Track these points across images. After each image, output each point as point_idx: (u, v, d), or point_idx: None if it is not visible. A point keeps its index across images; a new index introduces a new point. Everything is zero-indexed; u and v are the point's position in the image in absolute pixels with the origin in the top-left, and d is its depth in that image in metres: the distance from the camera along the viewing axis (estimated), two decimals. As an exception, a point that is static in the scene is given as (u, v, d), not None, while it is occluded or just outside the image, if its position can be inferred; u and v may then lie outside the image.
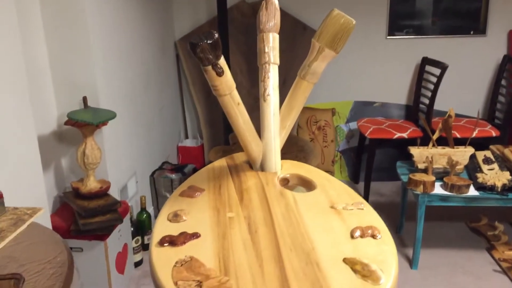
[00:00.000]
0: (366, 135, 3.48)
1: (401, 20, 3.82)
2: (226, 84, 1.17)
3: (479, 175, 2.66)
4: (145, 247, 2.95)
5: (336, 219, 1.07)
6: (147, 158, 3.27)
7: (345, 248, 0.95)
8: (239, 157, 1.42)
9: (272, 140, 1.30)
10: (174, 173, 3.32)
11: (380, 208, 3.53)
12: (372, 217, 1.08)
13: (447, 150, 2.75)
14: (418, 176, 2.63)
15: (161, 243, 1.00)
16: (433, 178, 2.62)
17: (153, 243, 1.01)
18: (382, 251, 0.95)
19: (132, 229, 2.69)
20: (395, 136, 3.42)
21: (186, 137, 4.15)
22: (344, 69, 3.93)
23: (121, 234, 2.50)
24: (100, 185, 2.36)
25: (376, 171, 3.85)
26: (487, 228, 3.05)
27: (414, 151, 2.77)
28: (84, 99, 2.34)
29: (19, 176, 1.89)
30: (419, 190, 2.60)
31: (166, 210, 1.13)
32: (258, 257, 0.91)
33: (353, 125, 4.00)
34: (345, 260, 0.91)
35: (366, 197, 3.61)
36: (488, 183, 2.58)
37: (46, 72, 2.37)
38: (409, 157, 2.82)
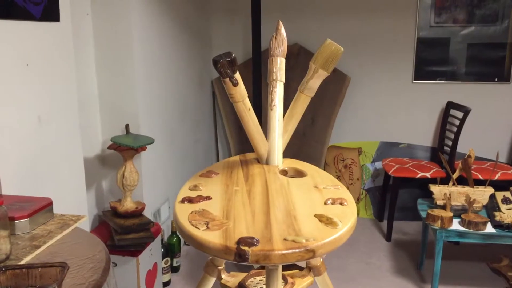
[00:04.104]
0: (390, 173, 3.60)
1: (427, 66, 3.99)
2: (240, 93, 1.52)
3: (496, 213, 2.74)
4: (174, 269, 3.11)
5: (316, 194, 1.40)
6: (180, 187, 3.47)
7: (317, 209, 1.28)
8: (250, 155, 1.79)
9: (276, 140, 1.64)
10: (205, 202, 3.50)
11: (402, 246, 3.60)
12: (344, 194, 1.39)
13: (467, 189, 2.85)
14: (436, 212, 2.73)
15: (182, 201, 1.37)
16: (451, 214, 2.71)
17: (176, 202, 1.37)
18: (345, 212, 1.26)
19: (162, 250, 2.87)
20: (418, 176, 3.53)
21: (218, 170, 4.36)
22: (372, 111, 4.10)
23: (152, 253, 2.68)
24: (136, 205, 2.57)
25: (401, 210, 3.93)
26: (508, 269, 3.07)
27: (434, 188, 2.88)
28: (127, 126, 2.59)
29: (65, 194, 2.10)
30: (437, 225, 2.69)
31: (188, 184, 1.52)
32: (252, 212, 1.25)
33: (379, 164, 4.12)
34: (315, 215, 1.23)
35: (389, 235, 3.68)
36: (505, 221, 2.66)
37: (95, 101, 2.65)
38: (431, 197, 2.92)
